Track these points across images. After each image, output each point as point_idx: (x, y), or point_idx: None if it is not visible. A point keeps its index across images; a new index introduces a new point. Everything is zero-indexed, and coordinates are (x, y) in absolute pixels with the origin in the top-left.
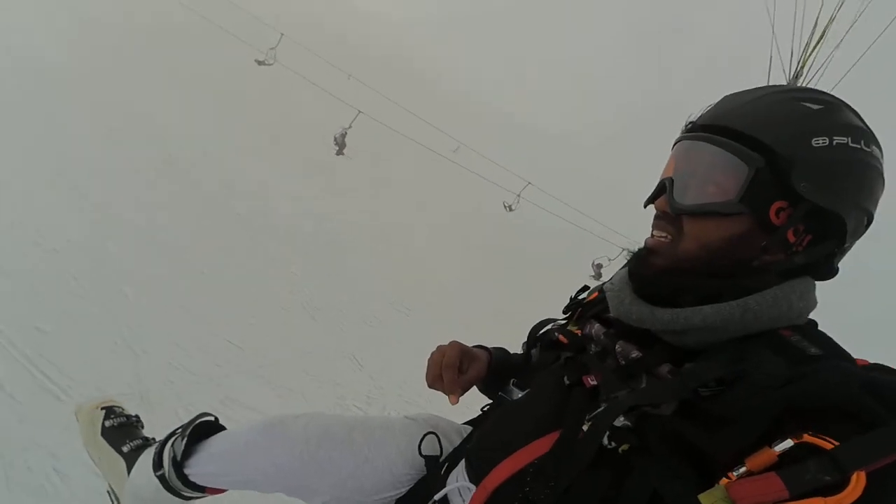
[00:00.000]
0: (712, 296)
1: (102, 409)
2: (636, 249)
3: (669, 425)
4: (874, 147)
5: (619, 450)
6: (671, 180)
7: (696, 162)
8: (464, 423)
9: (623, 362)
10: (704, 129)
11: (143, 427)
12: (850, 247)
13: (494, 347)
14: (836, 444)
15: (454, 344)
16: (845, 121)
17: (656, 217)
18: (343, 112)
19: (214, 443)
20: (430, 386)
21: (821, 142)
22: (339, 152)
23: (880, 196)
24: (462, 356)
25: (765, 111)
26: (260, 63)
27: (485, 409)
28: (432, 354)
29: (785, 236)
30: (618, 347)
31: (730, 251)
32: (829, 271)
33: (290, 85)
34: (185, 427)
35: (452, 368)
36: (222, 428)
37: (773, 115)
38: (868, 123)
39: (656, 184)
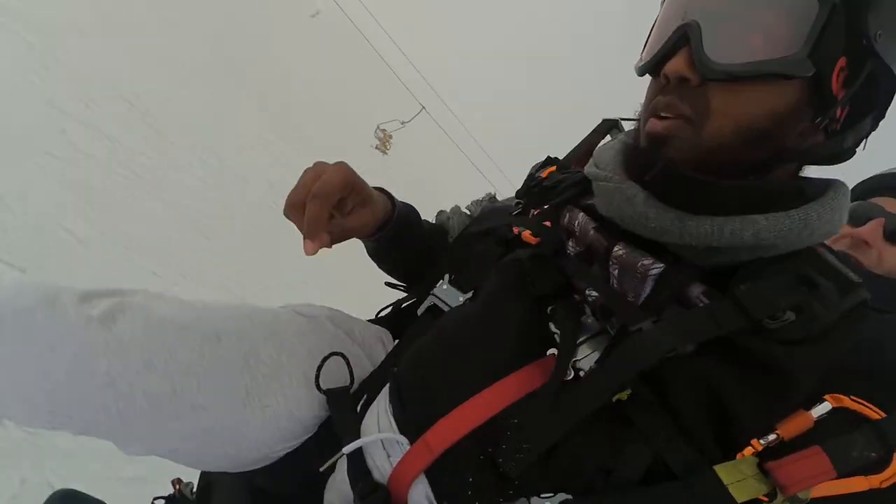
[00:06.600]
0: (758, 201)
1: None
2: (627, 138)
3: (699, 369)
4: None
5: (613, 398)
6: (697, 26)
7: None
8: (370, 321)
9: (615, 272)
10: None
11: None
12: None
13: (403, 202)
14: (883, 414)
15: (342, 167)
16: None
17: (663, 90)
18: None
19: None
20: (286, 213)
21: None
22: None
23: None
24: (348, 189)
25: None
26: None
27: (404, 305)
28: (306, 171)
29: (835, 111)
30: (618, 250)
31: (772, 134)
32: (848, 153)
33: None
34: None
35: (326, 200)
36: None
37: None
38: None
39: (661, 35)
